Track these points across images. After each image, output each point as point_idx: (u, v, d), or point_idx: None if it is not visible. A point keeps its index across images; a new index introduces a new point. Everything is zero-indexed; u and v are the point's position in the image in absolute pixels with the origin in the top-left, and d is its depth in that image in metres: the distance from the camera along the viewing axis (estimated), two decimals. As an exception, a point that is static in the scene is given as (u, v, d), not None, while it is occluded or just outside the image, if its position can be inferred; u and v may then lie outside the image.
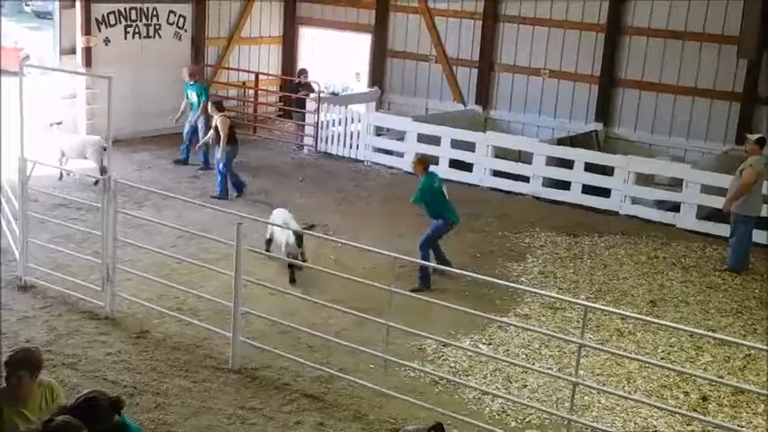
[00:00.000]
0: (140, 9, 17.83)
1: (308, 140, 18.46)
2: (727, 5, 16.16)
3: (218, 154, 14.58)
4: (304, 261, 11.10)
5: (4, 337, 8.47)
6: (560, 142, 16.53)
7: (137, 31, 17.86)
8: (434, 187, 11.21)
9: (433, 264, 11.00)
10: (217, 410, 7.86)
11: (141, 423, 7.46)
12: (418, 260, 10.63)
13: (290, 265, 11.01)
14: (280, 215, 11.54)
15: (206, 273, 10.37)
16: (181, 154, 16.58)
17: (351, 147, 17.75)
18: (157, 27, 18.24)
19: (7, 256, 10.67)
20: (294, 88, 19.80)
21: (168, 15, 18.40)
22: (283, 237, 11.17)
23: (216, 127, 14.69)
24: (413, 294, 9.61)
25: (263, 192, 15.11)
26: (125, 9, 17.56)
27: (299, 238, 11.08)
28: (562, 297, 10.16)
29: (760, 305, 11.24)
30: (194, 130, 16.44)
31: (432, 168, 11.62)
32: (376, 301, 9.50)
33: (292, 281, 11.00)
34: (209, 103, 15.31)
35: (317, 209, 14.25)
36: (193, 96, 16.31)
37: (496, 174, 16.25)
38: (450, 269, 10.41)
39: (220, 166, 14.57)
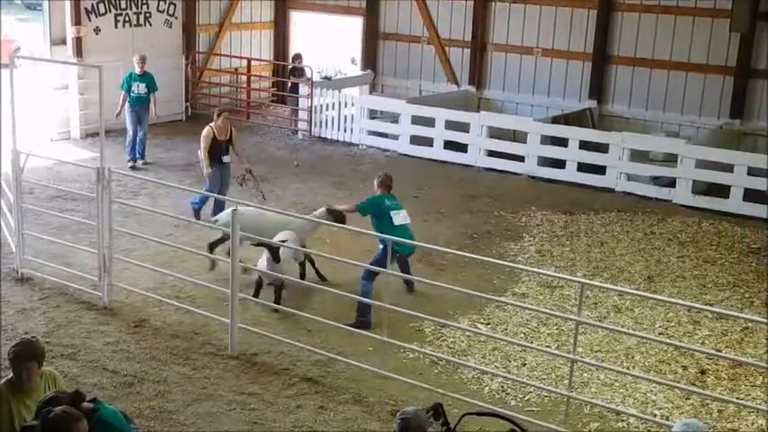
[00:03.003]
0: (130, -3, 17.77)
1: (302, 125, 18.42)
2: (719, -21, 16.15)
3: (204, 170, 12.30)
4: (302, 277, 10.33)
5: (2, 329, 8.50)
6: (554, 121, 16.51)
7: (127, 19, 17.78)
8: (384, 205, 9.85)
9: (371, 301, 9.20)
10: (217, 397, 7.88)
11: (142, 411, 7.50)
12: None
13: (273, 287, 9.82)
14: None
15: (203, 260, 10.38)
16: (127, 154, 15.26)
17: (345, 130, 17.71)
18: (148, 15, 18.15)
19: (4, 249, 10.66)
20: (290, 73, 19.71)
21: (158, 3, 18.30)
22: (263, 255, 9.80)
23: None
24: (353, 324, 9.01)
25: (258, 177, 15.04)
26: (114, -3, 17.49)
27: (305, 259, 10.31)
28: (559, 275, 10.21)
29: (757, 278, 11.27)
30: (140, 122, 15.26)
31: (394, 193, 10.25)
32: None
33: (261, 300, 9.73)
34: None
35: (313, 193, 14.25)
36: (142, 89, 15.17)
37: (491, 154, 16.23)
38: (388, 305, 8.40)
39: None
